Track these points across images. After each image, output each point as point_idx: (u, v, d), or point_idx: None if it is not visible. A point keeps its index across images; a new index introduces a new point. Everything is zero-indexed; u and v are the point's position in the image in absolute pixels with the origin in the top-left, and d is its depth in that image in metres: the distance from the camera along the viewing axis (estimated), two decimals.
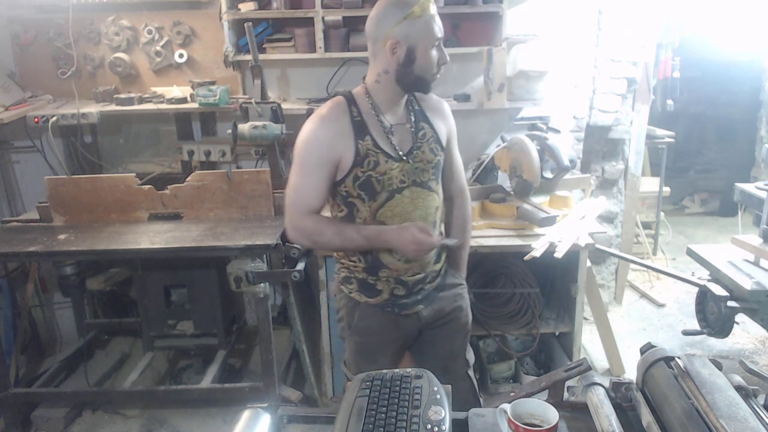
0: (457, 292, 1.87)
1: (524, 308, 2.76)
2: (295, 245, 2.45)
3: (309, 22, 2.80)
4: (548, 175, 2.74)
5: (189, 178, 2.63)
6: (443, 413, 1.03)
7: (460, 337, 1.88)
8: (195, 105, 2.85)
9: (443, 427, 1.00)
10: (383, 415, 1.04)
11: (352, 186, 1.63)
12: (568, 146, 3.00)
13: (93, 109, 2.85)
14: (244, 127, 2.66)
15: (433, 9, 1.60)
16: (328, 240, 1.64)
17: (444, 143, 1.74)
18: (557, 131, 2.88)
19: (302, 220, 1.64)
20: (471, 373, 1.92)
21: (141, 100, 2.92)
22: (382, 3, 1.63)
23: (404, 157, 1.65)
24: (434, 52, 1.61)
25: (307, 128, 1.63)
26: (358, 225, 1.66)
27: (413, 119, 1.71)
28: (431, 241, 1.59)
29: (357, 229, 1.63)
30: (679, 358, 1.14)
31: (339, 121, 1.63)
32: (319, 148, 1.61)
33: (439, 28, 1.61)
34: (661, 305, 3.84)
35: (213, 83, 2.92)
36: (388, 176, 1.63)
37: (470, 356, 1.94)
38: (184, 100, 2.90)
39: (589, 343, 3.26)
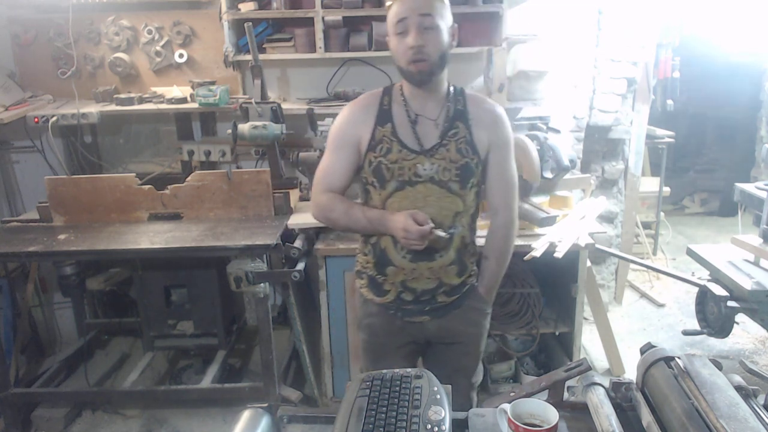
0: (474, 319, 1.76)
1: (524, 308, 2.76)
2: (294, 245, 2.46)
3: (309, 22, 2.80)
4: (548, 175, 2.74)
5: (189, 178, 2.63)
6: (443, 413, 1.03)
7: (470, 360, 1.81)
8: (195, 105, 2.85)
9: (443, 427, 1.00)
10: (383, 415, 1.04)
11: (368, 172, 1.65)
12: (568, 146, 3.00)
13: (93, 109, 2.85)
14: (244, 127, 2.66)
15: None
16: (337, 217, 1.68)
17: (480, 149, 1.63)
18: (557, 131, 2.88)
19: (320, 196, 1.70)
20: (474, 395, 1.87)
21: (141, 100, 2.92)
22: None
23: (425, 152, 1.60)
24: (399, 38, 1.55)
25: (340, 113, 1.71)
26: (365, 206, 1.68)
27: (448, 116, 1.62)
28: (418, 229, 1.52)
29: (363, 210, 1.65)
30: (679, 358, 1.14)
31: (367, 108, 1.66)
32: (342, 130, 1.67)
33: (405, 8, 1.53)
34: (661, 305, 3.84)
35: (213, 83, 2.92)
36: (400, 165, 1.60)
37: (477, 378, 1.86)
38: (184, 100, 2.90)
39: (589, 343, 3.26)
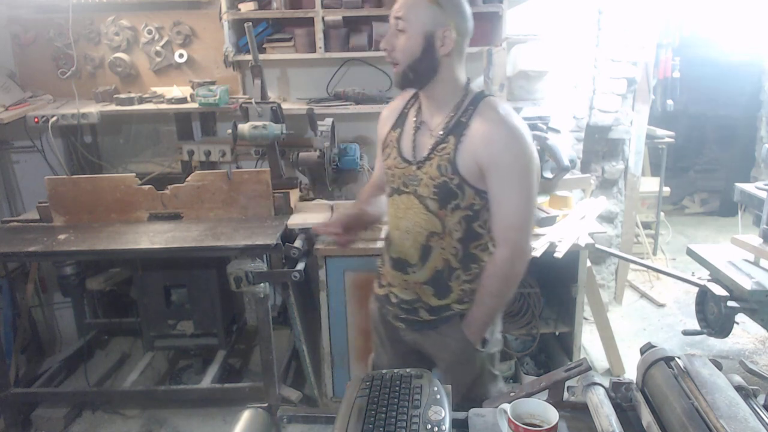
0: (451, 347, 1.58)
1: (524, 308, 2.76)
2: (294, 245, 2.46)
3: (309, 22, 2.80)
4: (548, 175, 2.74)
5: (189, 178, 2.63)
6: (443, 413, 1.03)
7: (452, 381, 1.38)
8: (195, 105, 2.85)
9: (443, 427, 1.00)
10: (383, 415, 1.04)
11: None
12: (568, 146, 3.00)
13: (93, 109, 2.85)
14: (244, 127, 2.66)
15: None
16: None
17: (462, 169, 1.45)
18: (557, 131, 2.88)
19: (365, 187, 1.85)
20: (490, 394, 1.64)
21: (141, 100, 2.92)
22: None
23: (414, 163, 1.53)
24: None
25: None
26: (359, 201, 1.80)
27: (447, 128, 1.49)
28: (315, 227, 1.71)
29: (354, 203, 1.77)
30: (679, 358, 1.14)
31: (393, 109, 1.67)
32: (378, 128, 1.70)
33: (392, 8, 1.48)
34: (661, 305, 3.84)
35: (213, 83, 2.92)
36: (392, 173, 1.59)
37: (485, 393, 1.63)
38: (184, 100, 2.90)
39: (589, 343, 3.26)
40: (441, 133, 1.50)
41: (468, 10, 1.49)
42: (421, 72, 1.48)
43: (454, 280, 1.56)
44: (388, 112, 1.68)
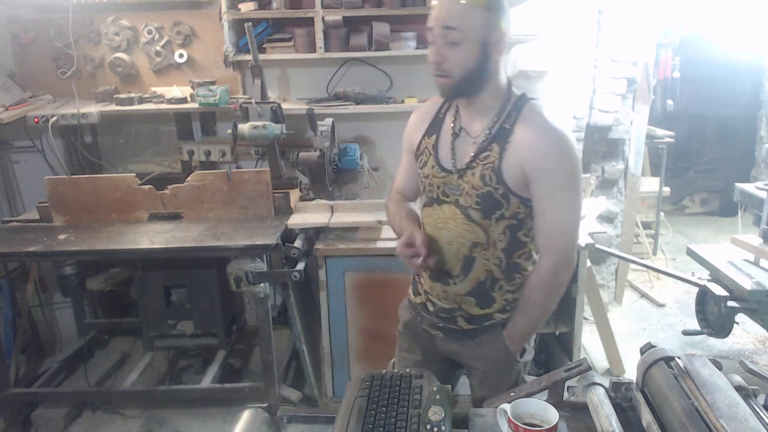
0: (490, 357, 1.54)
1: None
2: (294, 245, 2.46)
3: (309, 22, 2.80)
4: None
5: (189, 178, 2.63)
6: (443, 413, 1.03)
7: (486, 392, 1.55)
8: (195, 105, 2.85)
9: (443, 427, 1.00)
10: (383, 415, 1.04)
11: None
12: None
13: (93, 109, 2.85)
14: (244, 127, 2.66)
15: None
16: (390, 220, 1.66)
17: (508, 179, 1.39)
18: None
19: (389, 197, 1.71)
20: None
21: (141, 100, 2.92)
22: None
23: (455, 171, 1.46)
24: (429, 46, 1.40)
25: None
26: (406, 215, 1.62)
27: (490, 135, 1.42)
28: (400, 251, 1.44)
29: (400, 219, 1.59)
30: (679, 358, 1.14)
31: (425, 114, 1.57)
32: (406, 134, 1.62)
33: (433, 16, 1.37)
34: (661, 305, 3.84)
35: (213, 83, 2.92)
36: (430, 182, 1.50)
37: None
38: (184, 100, 2.90)
39: (589, 343, 3.26)
40: (483, 140, 1.42)
41: (506, 3, 1.40)
42: (476, 81, 1.40)
43: (497, 291, 1.51)
44: (419, 117, 1.59)
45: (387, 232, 2.58)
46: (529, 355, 1.62)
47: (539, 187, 1.39)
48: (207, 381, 2.69)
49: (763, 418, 0.98)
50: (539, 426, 1.02)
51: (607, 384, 1.17)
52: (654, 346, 1.21)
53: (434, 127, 1.53)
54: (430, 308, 1.60)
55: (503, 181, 1.40)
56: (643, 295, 3.98)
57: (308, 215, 2.66)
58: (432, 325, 1.61)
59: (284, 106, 2.86)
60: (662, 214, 4.53)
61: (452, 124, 1.49)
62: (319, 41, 2.81)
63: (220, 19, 2.84)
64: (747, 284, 2.37)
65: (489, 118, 1.43)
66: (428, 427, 1.00)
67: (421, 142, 1.54)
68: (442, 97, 1.49)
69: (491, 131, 1.42)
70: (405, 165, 1.66)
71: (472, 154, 1.43)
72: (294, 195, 2.83)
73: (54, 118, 2.79)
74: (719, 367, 1.13)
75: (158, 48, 3.03)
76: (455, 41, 1.34)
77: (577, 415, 1.16)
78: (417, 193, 1.66)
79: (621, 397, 1.16)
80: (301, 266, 2.42)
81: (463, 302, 1.53)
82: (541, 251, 1.46)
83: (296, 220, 2.59)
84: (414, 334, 1.68)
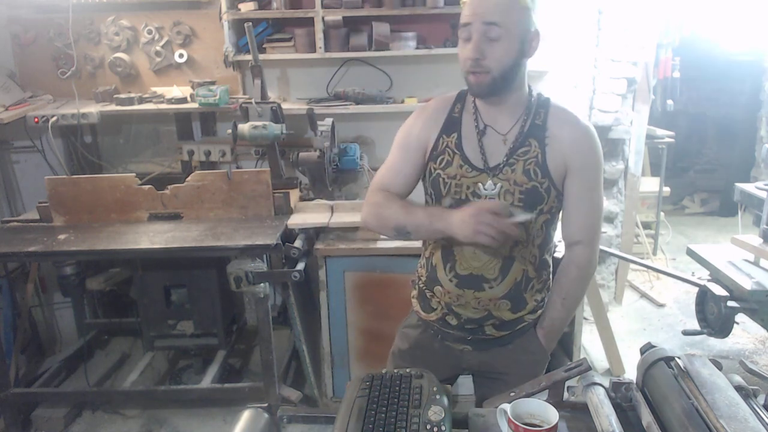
0: (524, 361, 1.51)
1: None
2: (294, 245, 2.46)
3: (309, 22, 2.80)
4: None
5: (189, 178, 2.63)
6: (443, 413, 1.03)
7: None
8: (195, 105, 2.85)
9: (443, 427, 1.00)
10: (383, 415, 1.04)
11: (427, 182, 1.51)
12: None
13: (93, 109, 2.85)
14: (244, 127, 2.66)
15: None
16: (394, 212, 1.46)
17: (553, 172, 1.41)
18: None
19: (376, 194, 1.53)
20: None
21: (141, 100, 2.92)
22: None
23: (489, 170, 1.43)
24: (462, 44, 1.37)
25: (411, 115, 1.57)
26: (408, 202, 1.52)
27: (522, 131, 1.43)
28: (492, 217, 1.28)
29: (422, 207, 1.50)
30: (679, 358, 1.14)
31: (435, 112, 1.51)
32: (410, 132, 1.53)
33: (470, 12, 1.34)
34: (661, 305, 3.84)
35: (213, 83, 2.92)
36: (457, 182, 1.44)
37: None
38: (184, 100, 2.90)
39: (589, 343, 3.26)
40: (517, 136, 1.42)
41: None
42: (510, 78, 1.39)
43: (529, 291, 1.50)
44: (428, 115, 1.52)
45: None
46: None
47: (578, 180, 1.43)
48: (207, 381, 2.69)
49: (763, 418, 0.98)
50: (539, 426, 1.02)
51: (607, 384, 1.17)
52: (654, 346, 1.21)
53: (451, 126, 1.48)
54: (452, 322, 1.52)
55: (549, 175, 1.41)
56: (643, 295, 3.98)
57: (308, 215, 2.66)
58: (458, 340, 1.54)
59: (284, 106, 2.86)
60: (662, 214, 4.53)
61: (475, 123, 1.46)
62: (319, 41, 2.82)
63: (220, 19, 2.84)
64: (747, 284, 2.37)
65: (516, 115, 1.44)
66: (428, 427, 1.00)
67: (438, 141, 1.48)
68: (475, 95, 1.43)
69: (523, 128, 1.43)
70: (398, 163, 1.54)
71: (507, 152, 1.42)
72: (294, 195, 2.83)
73: (54, 118, 2.79)
74: (719, 367, 1.13)
75: (158, 48, 3.03)
76: (496, 37, 1.33)
77: (577, 415, 1.16)
78: (406, 193, 1.56)
79: (621, 397, 1.16)
80: (301, 266, 2.42)
81: (495, 308, 1.48)
82: (578, 243, 1.49)
83: (296, 220, 2.59)
84: (427, 353, 1.59)
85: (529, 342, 1.52)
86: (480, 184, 1.43)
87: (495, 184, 1.42)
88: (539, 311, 1.53)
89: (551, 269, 1.56)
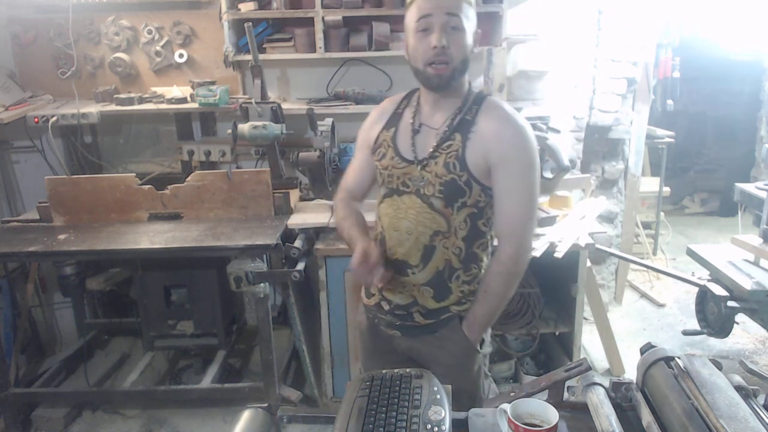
0: (451, 350, 1.55)
1: (524, 308, 2.76)
2: (294, 245, 2.46)
3: (309, 22, 2.80)
4: (548, 175, 2.74)
5: (189, 178, 2.63)
6: (443, 413, 1.03)
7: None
8: (195, 105, 2.85)
9: (443, 427, 1.00)
10: (383, 415, 1.04)
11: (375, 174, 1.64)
12: (568, 146, 2.99)
13: (93, 109, 2.84)
14: (244, 127, 2.66)
15: None
16: (337, 221, 1.67)
17: (471, 166, 1.45)
18: (557, 131, 2.88)
19: (338, 195, 1.71)
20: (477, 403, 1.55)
21: (141, 100, 2.92)
22: None
23: (416, 162, 1.50)
24: (419, 36, 1.43)
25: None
26: (357, 221, 1.62)
27: (452, 126, 1.49)
28: (356, 264, 1.42)
29: (350, 225, 1.59)
30: (679, 358, 1.14)
31: (384, 110, 1.63)
32: (362, 131, 1.67)
33: (430, 5, 1.41)
34: (661, 305, 3.84)
35: (213, 83, 2.92)
36: (389, 173, 1.53)
37: (473, 401, 1.53)
38: (184, 100, 2.90)
39: (589, 343, 3.26)
40: (446, 130, 1.49)
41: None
42: (463, 71, 1.48)
43: (454, 281, 1.54)
44: (377, 114, 1.64)
45: None
46: (487, 348, 1.64)
47: (501, 175, 1.46)
48: (207, 381, 2.69)
49: (763, 418, 0.98)
50: (539, 426, 1.02)
51: (607, 384, 1.17)
52: (654, 346, 1.21)
53: (393, 121, 1.59)
54: (385, 307, 1.60)
55: (467, 168, 1.45)
56: (643, 295, 3.98)
57: (308, 215, 2.66)
58: (389, 325, 1.61)
59: (284, 106, 2.86)
60: (662, 214, 4.53)
61: (411, 120, 1.54)
62: (319, 41, 2.81)
63: (220, 19, 2.84)
64: (747, 284, 2.37)
65: (450, 111, 1.51)
66: (428, 427, 1.00)
67: (379, 135, 1.59)
68: (434, 88, 1.49)
69: (453, 123, 1.49)
70: (358, 162, 1.69)
71: (434, 145, 1.49)
72: (294, 195, 2.83)
73: (54, 118, 2.79)
74: (719, 367, 1.13)
75: (158, 48, 3.03)
76: (457, 27, 1.42)
77: (577, 415, 1.16)
78: (366, 192, 1.70)
79: (621, 397, 1.16)
80: (301, 266, 2.42)
81: (420, 295, 1.54)
82: (502, 239, 1.51)
83: (296, 220, 2.59)
84: (374, 338, 1.68)
85: (453, 332, 1.55)
86: (409, 176, 1.51)
87: (421, 177, 1.49)
88: (464, 303, 1.55)
89: (484, 263, 1.57)
